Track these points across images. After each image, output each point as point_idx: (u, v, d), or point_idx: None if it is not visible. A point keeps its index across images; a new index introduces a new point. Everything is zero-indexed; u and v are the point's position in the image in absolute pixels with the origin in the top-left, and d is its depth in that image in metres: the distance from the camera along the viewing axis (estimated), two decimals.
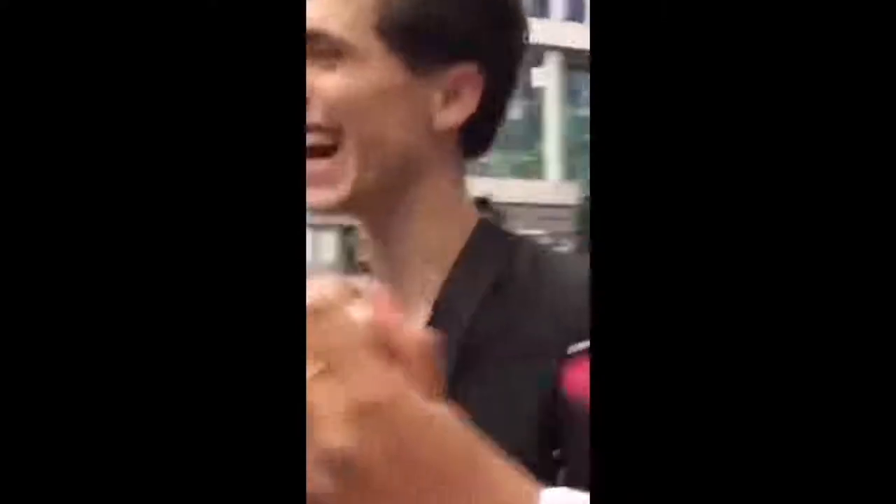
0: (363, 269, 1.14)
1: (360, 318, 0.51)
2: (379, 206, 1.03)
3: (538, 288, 0.98)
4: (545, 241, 1.13)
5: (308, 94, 0.97)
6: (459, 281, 1.01)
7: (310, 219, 0.79)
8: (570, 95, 24.12)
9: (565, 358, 0.91)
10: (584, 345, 0.91)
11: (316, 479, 0.49)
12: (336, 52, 0.99)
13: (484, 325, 0.97)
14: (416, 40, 0.99)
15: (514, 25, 1.05)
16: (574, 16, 23.68)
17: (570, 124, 24.01)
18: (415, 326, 0.53)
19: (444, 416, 0.52)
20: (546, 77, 23.52)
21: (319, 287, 0.51)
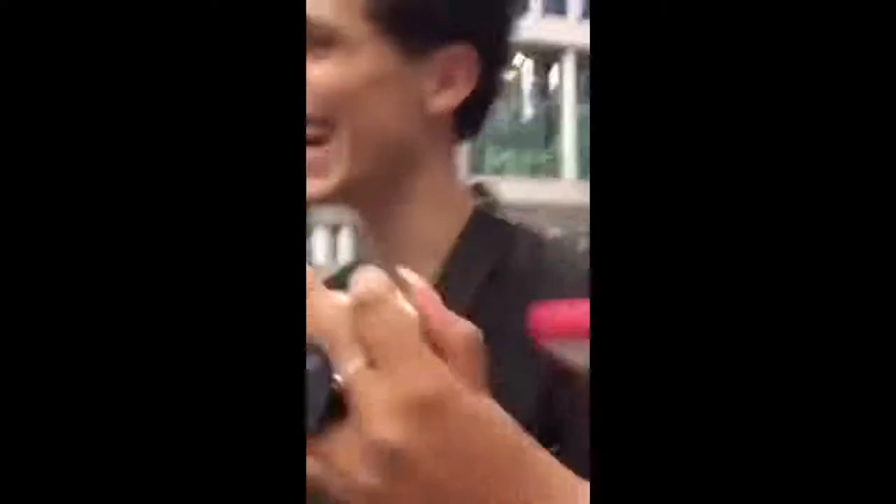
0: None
1: (406, 311, 0.51)
2: (373, 196, 1.01)
3: (536, 276, 0.97)
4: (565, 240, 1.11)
5: None
6: (455, 270, 1.00)
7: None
8: (586, 94, 24.15)
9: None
10: None
11: (363, 473, 0.50)
12: (327, 39, 0.97)
13: (481, 314, 0.97)
14: (407, 22, 0.98)
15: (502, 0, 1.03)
16: None
17: (586, 123, 24.03)
18: (461, 321, 0.53)
19: (491, 410, 0.52)
20: (562, 76, 23.56)
21: (365, 280, 0.51)
